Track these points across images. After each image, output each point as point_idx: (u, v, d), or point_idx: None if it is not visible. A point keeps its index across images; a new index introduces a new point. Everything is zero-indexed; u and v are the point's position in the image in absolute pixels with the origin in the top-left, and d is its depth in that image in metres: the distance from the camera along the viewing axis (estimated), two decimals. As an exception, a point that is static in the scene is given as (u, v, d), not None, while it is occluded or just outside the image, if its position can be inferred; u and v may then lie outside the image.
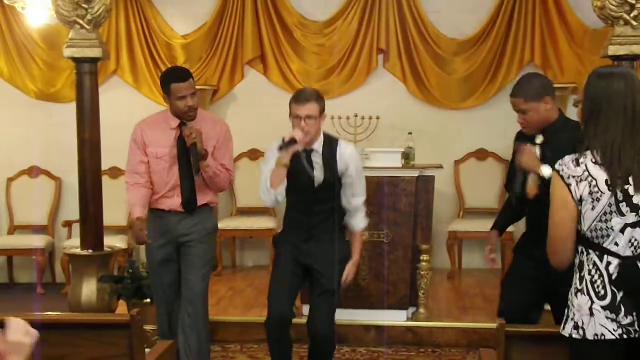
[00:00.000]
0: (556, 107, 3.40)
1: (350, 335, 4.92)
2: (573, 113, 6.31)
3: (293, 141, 3.54)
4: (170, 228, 3.93)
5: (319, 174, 3.70)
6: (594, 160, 2.34)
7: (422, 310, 5.07)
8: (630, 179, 2.31)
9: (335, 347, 3.90)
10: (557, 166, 2.40)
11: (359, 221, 3.82)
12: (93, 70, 5.00)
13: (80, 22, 4.88)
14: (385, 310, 4.97)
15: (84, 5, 4.85)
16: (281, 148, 3.56)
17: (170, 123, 3.92)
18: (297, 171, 3.66)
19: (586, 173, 2.34)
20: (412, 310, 5.09)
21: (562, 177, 2.37)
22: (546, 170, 3.21)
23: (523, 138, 3.45)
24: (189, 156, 3.86)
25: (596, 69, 2.51)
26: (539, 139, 3.37)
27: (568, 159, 2.39)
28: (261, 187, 3.67)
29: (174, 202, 3.92)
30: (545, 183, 3.23)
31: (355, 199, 3.79)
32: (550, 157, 3.26)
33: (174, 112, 3.90)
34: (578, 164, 2.36)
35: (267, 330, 3.75)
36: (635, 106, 2.34)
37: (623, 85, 2.36)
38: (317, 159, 3.70)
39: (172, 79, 3.87)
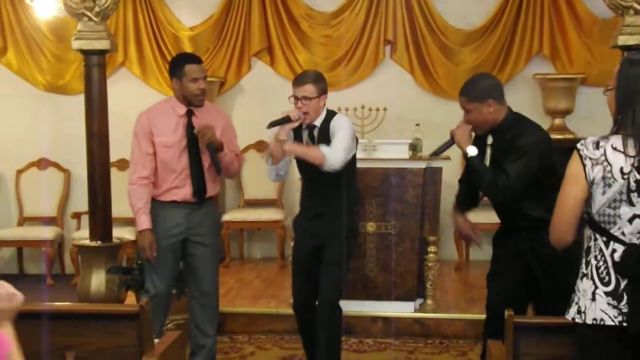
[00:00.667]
0: (502, 109, 3.40)
1: (358, 327, 4.93)
2: (582, 102, 6.39)
3: (286, 119, 3.73)
4: (179, 221, 3.90)
5: None
6: (614, 146, 2.34)
7: (429, 302, 5.08)
8: None
9: (342, 325, 3.91)
10: (578, 145, 2.40)
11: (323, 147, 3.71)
12: (101, 62, 5.00)
13: (88, 14, 4.89)
14: (392, 301, 4.97)
15: (91, -3, 4.86)
16: (272, 124, 3.73)
17: (177, 110, 3.88)
18: None
19: (603, 157, 2.34)
20: (419, 301, 5.09)
21: (580, 156, 2.37)
22: (471, 150, 3.36)
23: (476, 140, 3.50)
24: (197, 144, 3.85)
25: (627, 57, 2.50)
26: (489, 140, 3.43)
27: (590, 140, 2.39)
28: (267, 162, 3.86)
29: (186, 191, 3.88)
30: (468, 162, 3.41)
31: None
32: (497, 156, 3.35)
33: (182, 96, 3.86)
34: (597, 147, 2.36)
35: (294, 313, 4.04)
36: None
37: None
38: (317, 134, 3.82)
39: (186, 60, 3.94)
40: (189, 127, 3.86)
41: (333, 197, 3.79)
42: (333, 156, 3.66)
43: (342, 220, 3.79)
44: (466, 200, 3.71)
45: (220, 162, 3.84)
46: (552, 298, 3.22)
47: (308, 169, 3.80)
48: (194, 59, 3.98)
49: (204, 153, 3.86)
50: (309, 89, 3.74)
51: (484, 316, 4.86)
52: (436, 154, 3.69)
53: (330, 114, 3.86)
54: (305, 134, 3.83)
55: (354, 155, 3.86)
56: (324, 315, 3.80)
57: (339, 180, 3.76)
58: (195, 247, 3.93)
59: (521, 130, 3.32)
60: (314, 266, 3.87)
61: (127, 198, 3.88)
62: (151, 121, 3.88)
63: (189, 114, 3.89)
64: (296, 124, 3.75)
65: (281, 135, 3.72)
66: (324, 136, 3.78)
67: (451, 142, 3.51)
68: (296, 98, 3.76)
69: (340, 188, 3.78)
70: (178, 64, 3.89)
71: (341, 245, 3.80)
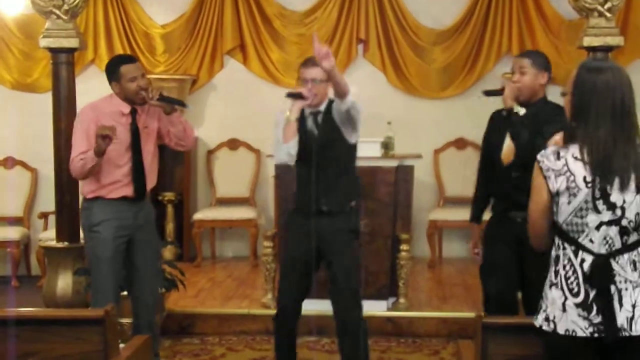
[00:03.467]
0: (544, 89, 3.57)
1: (330, 327, 4.87)
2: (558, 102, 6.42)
3: (299, 94, 3.65)
4: (128, 221, 3.91)
5: (320, 133, 3.72)
6: (575, 155, 2.33)
7: (402, 300, 5.07)
8: (615, 178, 2.29)
9: (367, 337, 3.84)
10: (538, 156, 2.40)
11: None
12: (70, 60, 4.94)
13: (57, 12, 4.81)
14: (364, 300, 4.90)
15: (60, -5, 4.78)
16: (289, 95, 3.68)
17: (122, 109, 3.91)
18: (302, 135, 3.68)
19: (565, 167, 2.34)
20: (392, 300, 5.08)
21: (541, 168, 2.38)
22: (520, 109, 3.44)
23: (498, 117, 3.61)
24: (139, 142, 3.91)
25: (584, 62, 2.48)
26: (522, 111, 3.48)
27: (550, 150, 2.39)
28: (274, 145, 3.75)
29: (129, 189, 3.91)
30: (511, 119, 3.45)
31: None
32: (529, 130, 3.40)
33: (125, 96, 3.90)
34: (558, 158, 2.35)
35: (274, 324, 3.85)
36: (624, 101, 2.32)
37: (611, 79, 2.33)
38: (321, 119, 3.74)
39: (120, 61, 3.97)
40: (134, 124, 3.91)
41: (335, 186, 3.67)
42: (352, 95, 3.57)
43: (345, 219, 3.70)
44: (484, 206, 3.79)
45: (177, 121, 3.94)
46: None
47: (306, 154, 3.66)
48: (129, 59, 4.05)
49: (146, 149, 3.93)
50: (319, 72, 3.63)
51: (456, 314, 4.93)
52: (486, 94, 3.71)
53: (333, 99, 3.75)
54: (309, 120, 3.72)
55: (356, 144, 3.75)
56: (351, 336, 3.71)
57: (339, 165, 3.68)
58: (140, 245, 3.96)
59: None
60: (308, 268, 3.74)
61: (72, 171, 3.91)
62: (97, 117, 3.87)
63: (133, 112, 3.93)
64: (307, 102, 3.64)
65: (293, 114, 3.64)
66: (329, 122, 3.67)
67: (501, 91, 3.55)
68: (306, 80, 3.68)
69: (341, 178, 3.69)
70: (113, 67, 3.92)
71: (349, 253, 3.70)
